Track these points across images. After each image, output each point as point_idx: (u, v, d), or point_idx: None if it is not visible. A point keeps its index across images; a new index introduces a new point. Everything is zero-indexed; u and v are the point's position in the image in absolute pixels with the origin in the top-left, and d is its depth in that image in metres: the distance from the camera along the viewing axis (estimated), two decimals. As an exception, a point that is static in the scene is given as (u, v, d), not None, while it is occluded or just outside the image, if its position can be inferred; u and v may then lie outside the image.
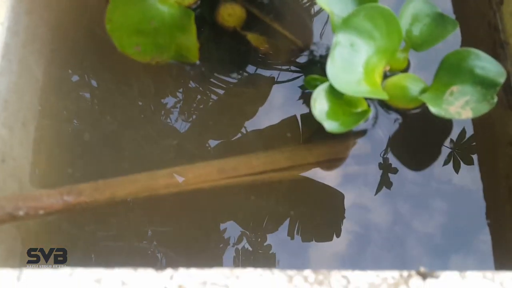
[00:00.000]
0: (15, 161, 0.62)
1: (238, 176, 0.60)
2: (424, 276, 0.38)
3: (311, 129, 0.64)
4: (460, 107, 0.53)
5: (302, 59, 0.68)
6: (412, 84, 0.59)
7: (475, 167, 0.62)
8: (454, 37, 0.67)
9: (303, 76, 0.67)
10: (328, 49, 0.67)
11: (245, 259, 0.59)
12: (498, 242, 0.58)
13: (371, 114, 0.61)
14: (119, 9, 0.62)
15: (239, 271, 0.38)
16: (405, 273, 0.38)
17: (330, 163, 0.63)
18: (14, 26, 0.61)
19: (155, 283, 0.38)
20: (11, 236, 0.58)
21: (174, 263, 0.54)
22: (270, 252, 0.59)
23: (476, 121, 0.63)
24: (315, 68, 0.66)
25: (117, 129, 0.66)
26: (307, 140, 0.65)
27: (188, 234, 0.61)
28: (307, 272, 0.38)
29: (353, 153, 0.63)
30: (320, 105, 0.55)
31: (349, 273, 0.38)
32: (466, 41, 0.68)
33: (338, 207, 0.61)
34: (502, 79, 0.53)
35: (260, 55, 0.68)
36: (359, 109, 0.59)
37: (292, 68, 0.67)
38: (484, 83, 0.54)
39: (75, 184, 0.57)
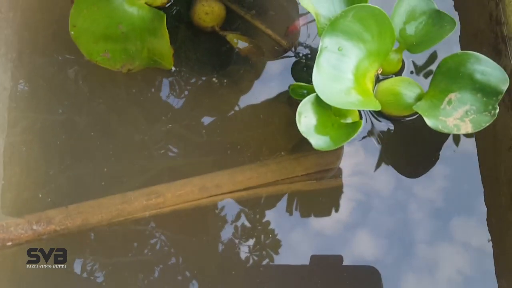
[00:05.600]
0: (-17, 179, 0.58)
1: (222, 194, 0.56)
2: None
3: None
4: (458, 118, 0.48)
5: (287, 61, 0.62)
6: (406, 89, 0.54)
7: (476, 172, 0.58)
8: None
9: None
10: (316, 50, 0.61)
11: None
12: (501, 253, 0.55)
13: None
14: (83, 14, 0.56)
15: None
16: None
17: (320, 174, 0.58)
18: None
19: None
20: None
21: None
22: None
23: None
24: (302, 73, 0.61)
25: (94, 135, 0.61)
26: (296, 147, 0.60)
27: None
28: None
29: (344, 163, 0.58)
30: (306, 118, 0.50)
31: None
32: (466, 34, 0.62)
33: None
34: (504, 86, 0.48)
35: (242, 56, 0.63)
36: (349, 119, 0.54)
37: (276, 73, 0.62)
38: (485, 90, 0.49)
39: (44, 211, 0.53)
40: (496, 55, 0.60)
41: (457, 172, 0.58)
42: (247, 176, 0.57)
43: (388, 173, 0.58)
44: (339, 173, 0.58)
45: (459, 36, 0.63)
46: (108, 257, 0.55)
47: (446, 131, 0.48)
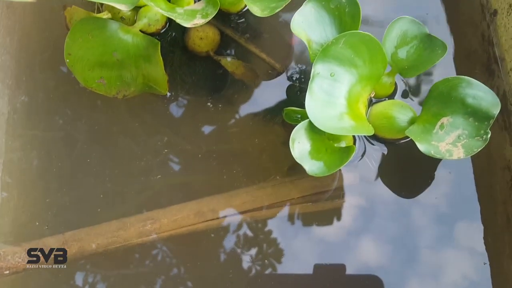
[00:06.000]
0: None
1: (218, 218, 0.56)
2: None
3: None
4: (451, 143, 0.49)
5: (281, 84, 0.63)
6: (399, 113, 0.54)
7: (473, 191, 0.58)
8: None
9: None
10: (309, 73, 0.62)
11: None
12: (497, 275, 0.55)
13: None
14: (78, 42, 0.56)
15: None
16: None
17: (316, 196, 0.59)
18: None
19: None
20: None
21: None
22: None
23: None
24: (295, 96, 0.61)
25: (91, 161, 0.62)
26: (291, 169, 0.60)
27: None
28: None
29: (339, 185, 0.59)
30: (299, 144, 0.51)
31: None
32: (459, 55, 0.63)
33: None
34: (496, 111, 0.49)
35: (237, 79, 0.63)
36: (343, 143, 0.54)
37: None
38: (476, 115, 0.49)
39: (41, 239, 0.53)
40: (489, 75, 0.60)
41: (453, 192, 0.58)
42: (243, 200, 0.57)
43: (383, 194, 0.58)
44: (335, 195, 0.58)
45: (453, 56, 0.63)
46: (109, 270, 0.55)
47: (438, 156, 0.48)
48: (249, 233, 0.57)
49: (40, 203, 0.59)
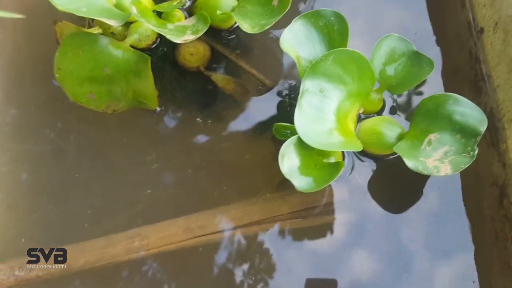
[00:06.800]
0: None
1: (206, 234, 0.56)
2: None
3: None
4: (438, 159, 0.49)
5: (271, 100, 0.63)
6: (387, 129, 0.55)
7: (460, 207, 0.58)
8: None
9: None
10: (299, 88, 0.62)
11: None
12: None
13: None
14: (68, 57, 0.56)
15: None
16: None
17: (306, 212, 0.59)
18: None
19: None
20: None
21: None
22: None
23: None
24: (285, 111, 0.61)
25: (83, 171, 0.61)
26: (281, 184, 0.60)
27: None
28: None
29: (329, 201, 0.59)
30: (289, 160, 0.51)
31: None
32: (447, 71, 0.64)
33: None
34: (483, 128, 0.49)
35: (227, 95, 0.64)
36: (333, 159, 0.54)
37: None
38: (464, 131, 0.50)
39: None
40: (477, 92, 0.61)
41: (441, 208, 0.58)
42: (233, 216, 0.57)
43: (372, 210, 0.58)
44: (324, 210, 0.58)
45: (441, 73, 0.64)
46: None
47: (426, 172, 0.48)
48: (238, 250, 0.57)
49: (28, 218, 0.58)
